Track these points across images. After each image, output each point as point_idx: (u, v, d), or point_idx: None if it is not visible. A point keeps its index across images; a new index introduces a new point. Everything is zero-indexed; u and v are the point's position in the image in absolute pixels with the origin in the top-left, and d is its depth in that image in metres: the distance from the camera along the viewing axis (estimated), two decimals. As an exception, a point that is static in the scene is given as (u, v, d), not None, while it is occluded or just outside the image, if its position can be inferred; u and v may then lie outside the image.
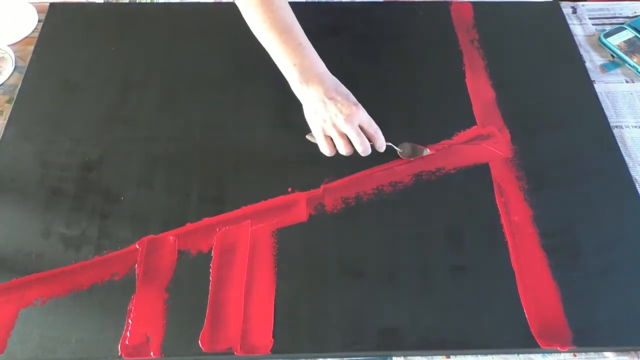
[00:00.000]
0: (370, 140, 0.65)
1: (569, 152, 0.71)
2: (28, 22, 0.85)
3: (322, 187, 0.67)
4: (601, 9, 0.90)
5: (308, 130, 0.67)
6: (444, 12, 0.87)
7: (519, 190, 0.67)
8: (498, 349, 0.57)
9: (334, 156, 0.66)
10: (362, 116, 0.64)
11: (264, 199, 0.66)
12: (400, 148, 0.69)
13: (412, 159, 0.69)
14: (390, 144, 0.67)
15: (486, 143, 0.71)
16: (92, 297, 0.59)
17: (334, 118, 0.62)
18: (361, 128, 0.64)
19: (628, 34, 0.84)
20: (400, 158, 0.69)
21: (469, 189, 0.68)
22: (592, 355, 0.57)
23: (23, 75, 0.77)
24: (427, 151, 0.69)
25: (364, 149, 0.64)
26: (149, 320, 0.57)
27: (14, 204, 0.66)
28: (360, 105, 0.64)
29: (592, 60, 0.82)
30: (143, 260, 0.61)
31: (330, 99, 0.62)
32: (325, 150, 0.65)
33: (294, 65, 0.63)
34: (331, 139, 0.65)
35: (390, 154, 0.69)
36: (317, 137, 0.65)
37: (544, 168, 0.69)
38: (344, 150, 0.64)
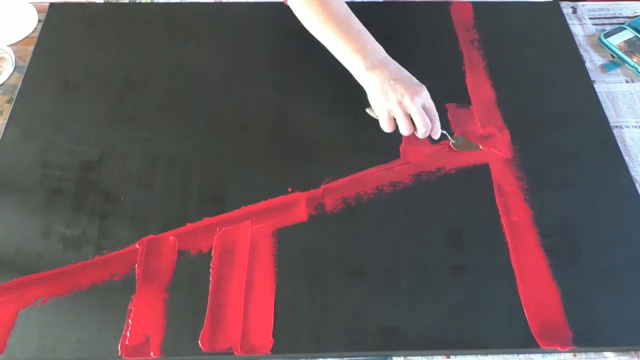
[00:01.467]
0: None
1: (569, 152, 0.71)
2: (28, 22, 0.85)
3: (322, 187, 0.67)
4: (601, 9, 0.90)
5: (308, 130, 0.67)
6: (444, 12, 0.87)
7: (519, 190, 0.67)
8: (498, 349, 0.57)
9: (333, 156, 0.66)
10: (426, 97, 0.65)
11: (264, 199, 0.66)
12: (454, 139, 0.70)
13: (463, 151, 0.70)
14: (445, 132, 0.68)
15: (486, 143, 0.71)
16: (92, 297, 0.59)
17: (400, 97, 0.63)
18: (424, 109, 0.65)
19: (628, 34, 0.84)
20: (453, 149, 0.70)
21: (469, 189, 0.68)
22: (592, 355, 0.57)
23: (23, 75, 0.77)
24: (479, 147, 0.70)
25: (425, 130, 0.65)
26: (149, 320, 0.57)
27: (14, 204, 0.66)
28: (424, 87, 0.65)
29: (592, 60, 0.82)
30: (143, 260, 0.61)
31: (396, 79, 0.64)
32: (386, 127, 0.67)
33: (357, 52, 0.65)
34: (394, 118, 0.66)
35: (390, 154, 0.69)
36: (382, 117, 0.66)
37: (544, 168, 0.69)
38: (406, 130, 0.65)
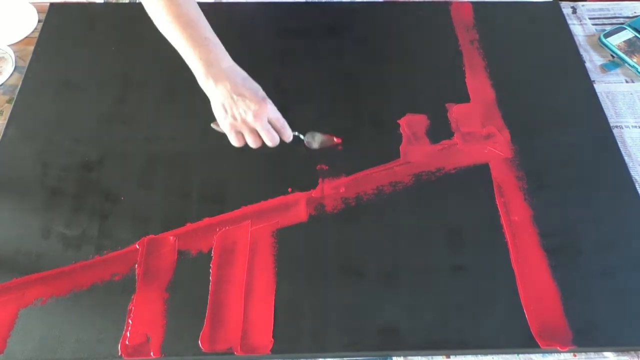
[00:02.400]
0: (278, 133, 0.65)
1: (569, 152, 0.71)
2: (28, 22, 0.85)
3: (320, 185, 0.67)
4: (601, 9, 0.90)
5: (308, 130, 0.67)
6: (444, 12, 0.87)
7: (519, 190, 0.67)
8: (498, 349, 0.57)
9: (333, 156, 0.66)
10: (270, 111, 0.63)
11: (264, 199, 0.66)
12: (306, 138, 0.69)
13: (321, 148, 0.69)
14: (296, 133, 0.68)
15: (486, 143, 0.71)
16: (92, 297, 0.59)
17: (243, 115, 0.62)
18: (270, 122, 0.64)
19: (628, 34, 0.84)
20: (306, 147, 0.69)
21: (469, 189, 0.68)
22: (592, 355, 0.57)
23: (23, 75, 0.77)
24: (334, 140, 0.69)
25: (273, 143, 0.65)
26: (149, 321, 0.57)
27: (14, 204, 0.66)
28: (267, 100, 0.63)
29: (592, 60, 0.82)
30: (143, 261, 0.61)
31: (239, 95, 0.61)
32: (235, 143, 0.65)
33: (200, 59, 0.61)
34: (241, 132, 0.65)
35: (390, 154, 0.70)
36: (228, 133, 0.65)
37: (544, 168, 0.69)
38: (254, 144, 0.65)
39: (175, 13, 0.62)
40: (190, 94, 0.76)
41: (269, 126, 0.64)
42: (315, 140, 0.69)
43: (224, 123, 0.64)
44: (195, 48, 0.61)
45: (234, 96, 0.61)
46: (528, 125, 0.73)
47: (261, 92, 0.63)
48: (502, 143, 0.71)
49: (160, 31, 0.64)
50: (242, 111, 0.62)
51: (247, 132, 0.64)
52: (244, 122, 0.63)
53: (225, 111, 0.63)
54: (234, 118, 0.63)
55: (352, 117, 0.74)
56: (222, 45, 0.64)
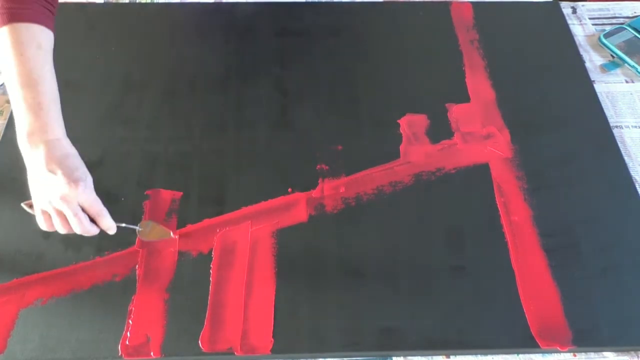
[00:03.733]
0: (94, 221, 0.58)
1: (569, 152, 0.71)
2: (28, 22, 0.84)
3: (321, 185, 0.67)
4: (601, 9, 0.90)
5: (308, 130, 0.67)
6: (444, 12, 0.87)
7: (519, 190, 0.67)
8: (498, 349, 0.57)
9: (333, 156, 0.66)
10: (82, 197, 0.55)
11: (264, 199, 0.66)
12: (140, 227, 0.62)
13: (155, 240, 0.62)
14: (125, 224, 0.61)
15: (486, 143, 0.71)
16: (92, 298, 0.59)
17: (49, 194, 0.54)
18: (82, 208, 0.56)
19: (628, 34, 0.84)
20: (139, 238, 0.62)
21: (469, 189, 0.68)
22: (592, 355, 0.57)
23: (23, 76, 0.77)
24: (170, 234, 0.62)
25: (82, 230, 0.56)
26: (149, 321, 0.58)
27: (14, 204, 0.66)
28: (84, 183, 0.55)
29: (592, 60, 0.82)
30: (143, 261, 0.61)
31: (50, 171, 0.54)
32: (42, 225, 0.57)
33: (24, 125, 0.55)
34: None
35: (390, 154, 0.70)
36: (36, 211, 0.57)
37: (544, 168, 0.69)
38: (61, 229, 0.56)
39: (19, 71, 0.55)
40: (190, 94, 0.76)
41: (79, 210, 0.55)
42: (148, 230, 0.62)
43: (33, 197, 0.57)
44: (22, 112, 0.55)
45: (45, 171, 0.54)
46: (528, 125, 0.73)
47: (78, 173, 0.55)
48: (502, 143, 0.71)
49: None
50: (50, 190, 0.54)
51: (54, 214, 0.56)
52: (50, 202, 0.55)
53: (34, 184, 0.56)
54: (41, 194, 0.55)
55: (352, 117, 0.74)
56: (59, 115, 0.57)
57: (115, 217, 0.63)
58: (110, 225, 0.58)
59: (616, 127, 0.74)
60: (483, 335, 0.57)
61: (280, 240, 0.63)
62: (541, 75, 0.79)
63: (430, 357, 0.57)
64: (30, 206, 0.58)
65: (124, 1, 0.89)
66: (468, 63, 0.80)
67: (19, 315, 0.58)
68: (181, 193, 0.66)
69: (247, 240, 0.63)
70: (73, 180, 0.54)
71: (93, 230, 0.57)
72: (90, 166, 0.68)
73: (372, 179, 0.68)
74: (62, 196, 0.54)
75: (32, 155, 0.55)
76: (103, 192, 0.66)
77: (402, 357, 0.57)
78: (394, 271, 0.61)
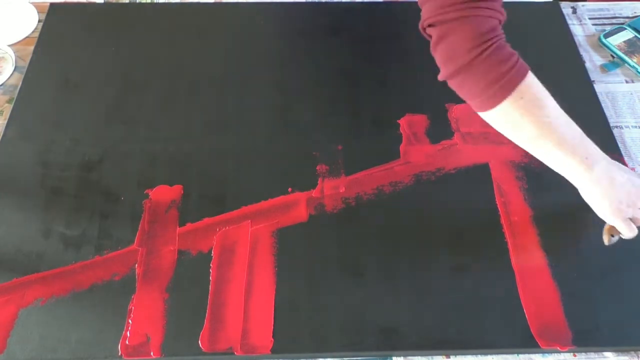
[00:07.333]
0: None
1: (569, 152, 0.71)
2: (28, 22, 0.85)
3: (320, 185, 0.67)
4: (601, 9, 0.90)
5: (308, 131, 0.67)
6: (444, 12, 0.87)
7: (519, 190, 0.67)
8: (498, 349, 0.57)
9: (333, 156, 0.66)
10: None
11: (264, 199, 0.66)
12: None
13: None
14: None
15: (486, 143, 0.71)
16: (92, 297, 0.59)
17: (633, 196, 0.57)
18: None
19: (628, 34, 0.84)
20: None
21: (469, 189, 0.68)
22: (592, 355, 0.57)
23: (23, 75, 0.77)
24: None
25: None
26: (149, 320, 0.57)
27: (14, 204, 0.66)
28: None
29: (592, 60, 0.82)
30: (143, 261, 0.61)
31: (625, 172, 0.58)
32: (633, 231, 0.59)
33: (578, 154, 0.58)
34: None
35: (390, 154, 0.70)
36: (617, 221, 0.58)
37: (544, 168, 0.69)
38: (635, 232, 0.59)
39: (545, 120, 0.59)
40: (190, 94, 0.76)
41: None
42: None
43: (615, 213, 0.58)
44: (572, 145, 0.59)
45: (622, 175, 0.58)
46: (528, 125, 0.73)
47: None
48: (503, 143, 0.71)
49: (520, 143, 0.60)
50: (634, 191, 0.58)
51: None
52: (635, 203, 0.58)
53: (614, 197, 0.58)
54: (620, 202, 0.58)
55: (352, 117, 0.74)
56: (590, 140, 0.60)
57: (116, 217, 0.63)
58: None
59: (616, 127, 0.74)
60: (483, 335, 0.57)
61: (280, 240, 0.63)
62: (541, 76, 0.79)
63: (430, 357, 0.57)
64: (611, 234, 0.60)
65: (124, 1, 0.89)
66: (468, 63, 0.80)
67: (19, 315, 0.58)
68: (181, 192, 0.66)
69: (247, 239, 0.63)
70: None
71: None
72: (90, 166, 0.69)
73: (372, 179, 0.68)
74: None
75: (595, 173, 0.57)
76: (103, 192, 0.67)
77: (402, 357, 0.57)
78: (394, 271, 0.61)
